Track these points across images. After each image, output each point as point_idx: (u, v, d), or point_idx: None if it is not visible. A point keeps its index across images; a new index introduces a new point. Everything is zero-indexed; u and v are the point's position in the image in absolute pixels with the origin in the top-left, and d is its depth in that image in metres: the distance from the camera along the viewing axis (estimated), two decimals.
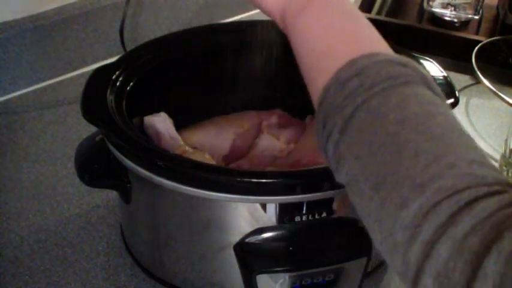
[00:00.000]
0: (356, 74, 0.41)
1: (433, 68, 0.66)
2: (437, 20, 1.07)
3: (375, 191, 0.38)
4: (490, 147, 0.85)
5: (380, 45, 0.45)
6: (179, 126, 0.71)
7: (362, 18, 0.47)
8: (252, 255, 0.57)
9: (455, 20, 1.06)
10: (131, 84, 0.65)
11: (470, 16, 1.06)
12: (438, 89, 0.43)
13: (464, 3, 1.06)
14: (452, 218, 0.34)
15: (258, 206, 0.55)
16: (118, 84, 0.64)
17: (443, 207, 0.34)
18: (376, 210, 0.38)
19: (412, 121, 0.38)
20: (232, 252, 0.57)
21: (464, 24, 1.06)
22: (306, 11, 0.48)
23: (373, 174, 0.38)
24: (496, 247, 0.32)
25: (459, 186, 0.35)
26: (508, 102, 0.83)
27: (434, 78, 0.44)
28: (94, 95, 0.61)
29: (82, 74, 0.97)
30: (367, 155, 0.39)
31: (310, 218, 0.56)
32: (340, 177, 0.42)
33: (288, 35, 0.50)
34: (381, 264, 0.65)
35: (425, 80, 0.42)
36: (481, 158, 0.38)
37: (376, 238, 0.39)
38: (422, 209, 0.35)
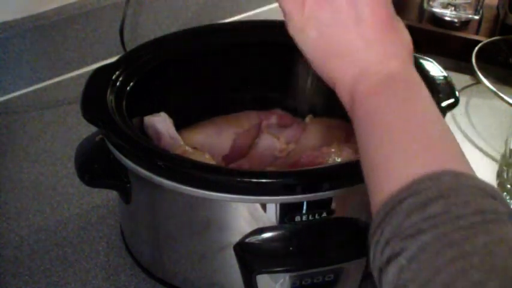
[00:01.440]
0: (441, 195, 0.35)
1: (433, 68, 0.66)
2: (437, 20, 1.07)
3: None
4: (490, 147, 0.85)
5: (464, 163, 0.39)
6: (179, 126, 0.71)
7: (445, 122, 0.41)
8: (252, 255, 0.57)
9: (456, 20, 1.06)
10: (131, 84, 0.65)
11: (470, 16, 1.06)
12: None
13: (465, 3, 1.06)
14: None
15: (258, 206, 0.55)
16: (118, 84, 0.64)
17: None
18: None
19: (499, 273, 0.32)
20: (232, 252, 0.57)
21: (465, 24, 1.06)
22: (385, 91, 0.41)
23: None
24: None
25: None
26: (508, 102, 0.83)
27: None
28: (94, 95, 0.61)
29: (82, 74, 0.97)
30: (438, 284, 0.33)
31: (310, 218, 0.55)
32: None
33: (353, 115, 0.43)
34: None
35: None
36: None
37: None
38: None
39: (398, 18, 0.47)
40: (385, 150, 0.40)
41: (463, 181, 0.36)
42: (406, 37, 0.46)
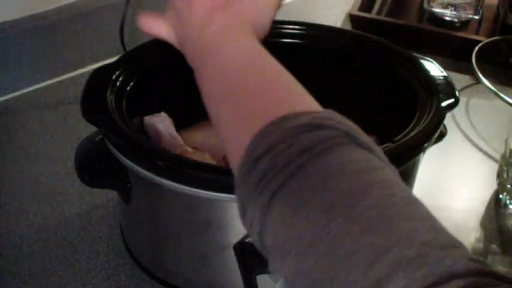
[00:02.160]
0: (267, 150, 0.34)
1: (433, 68, 0.66)
2: (437, 20, 1.07)
3: None
4: (490, 147, 0.85)
5: (296, 100, 0.39)
6: (179, 126, 0.71)
7: (274, 65, 0.42)
8: (252, 255, 0.57)
9: (456, 20, 1.06)
10: (131, 84, 0.65)
11: (470, 16, 1.06)
12: (367, 141, 0.36)
13: (465, 3, 1.06)
14: None
15: None
16: (118, 84, 0.64)
17: None
18: None
19: (341, 206, 0.32)
20: (232, 252, 0.57)
21: (465, 24, 1.06)
22: (209, 59, 0.43)
23: (309, 281, 0.31)
24: None
25: None
26: (508, 102, 0.83)
27: (358, 129, 0.37)
28: (94, 95, 0.61)
29: (82, 74, 0.97)
30: (295, 257, 0.32)
31: None
32: (271, 270, 0.35)
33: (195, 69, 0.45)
34: None
35: (350, 135, 0.35)
36: (433, 233, 0.31)
37: None
38: None
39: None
40: (220, 124, 0.41)
41: (285, 125, 0.35)
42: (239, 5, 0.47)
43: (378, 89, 0.72)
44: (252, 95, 0.40)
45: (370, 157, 0.35)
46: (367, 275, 0.29)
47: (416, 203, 0.33)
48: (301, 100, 0.39)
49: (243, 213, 0.36)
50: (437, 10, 1.07)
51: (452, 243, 0.31)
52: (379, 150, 0.37)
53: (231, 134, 0.40)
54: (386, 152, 0.37)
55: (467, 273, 0.29)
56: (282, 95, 0.40)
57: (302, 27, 0.73)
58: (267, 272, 0.56)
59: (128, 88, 0.64)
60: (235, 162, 0.37)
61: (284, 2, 0.64)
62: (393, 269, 0.29)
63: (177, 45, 0.50)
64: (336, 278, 0.30)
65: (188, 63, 0.48)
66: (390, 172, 0.35)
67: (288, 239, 0.33)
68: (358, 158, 0.34)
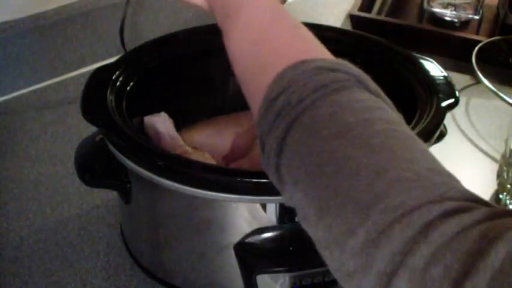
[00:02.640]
0: (283, 90, 0.38)
1: (433, 68, 0.66)
2: (437, 20, 1.07)
3: (320, 217, 0.34)
4: (490, 147, 0.85)
5: (312, 49, 0.42)
6: (179, 126, 0.71)
7: (292, 21, 0.45)
8: (252, 255, 0.57)
9: (456, 20, 1.06)
10: (131, 84, 0.65)
11: (470, 16, 1.06)
12: (375, 88, 0.39)
13: (465, 3, 1.06)
14: (408, 245, 0.30)
15: (258, 206, 0.55)
16: (118, 84, 0.64)
17: (395, 232, 0.31)
18: (324, 238, 0.34)
19: (348, 134, 0.35)
20: (232, 252, 0.57)
21: (465, 24, 1.06)
22: (234, 19, 0.46)
23: (315, 199, 0.35)
24: (468, 283, 0.28)
25: (408, 205, 0.31)
26: (508, 102, 0.83)
27: (368, 77, 0.40)
28: (94, 95, 0.61)
29: (82, 74, 0.97)
30: (306, 179, 0.36)
31: None
32: (287, 202, 0.39)
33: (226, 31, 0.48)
34: None
35: (360, 80, 0.39)
36: (432, 164, 0.34)
37: (330, 266, 0.35)
38: (371, 235, 0.31)
39: None
40: (249, 71, 0.44)
41: (301, 68, 0.38)
42: None
43: None
44: (274, 46, 0.43)
45: (377, 100, 0.38)
46: (367, 190, 0.32)
47: (417, 140, 0.36)
48: (317, 49, 0.42)
49: (262, 148, 0.39)
50: (437, 10, 1.07)
51: (449, 175, 0.34)
52: (386, 98, 0.40)
53: (255, 85, 0.42)
54: None
55: (460, 198, 0.32)
56: (300, 46, 0.43)
57: None
58: (267, 272, 0.56)
59: (128, 88, 0.64)
60: (256, 108, 0.40)
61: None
62: (392, 186, 0.32)
63: (205, 7, 0.52)
64: (339, 194, 0.33)
65: (218, 24, 0.50)
66: (395, 114, 0.38)
67: (300, 164, 0.36)
68: (366, 98, 0.38)
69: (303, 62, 0.39)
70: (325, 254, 0.35)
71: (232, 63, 0.46)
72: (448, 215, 0.30)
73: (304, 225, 0.37)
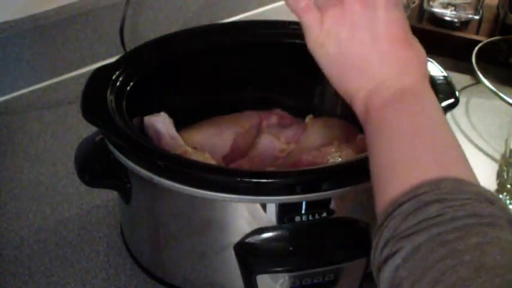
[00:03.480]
0: (438, 199, 0.37)
1: (433, 68, 0.66)
2: (437, 20, 1.07)
3: None
4: (490, 147, 0.85)
5: (468, 171, 0.41)
6: (179, 126, 0.71)
7: (453, 134, 0.43)
8: (252, 255, 0.57)
9: (456, 20, 1.06)
10: (131, 84, 0.65)
11: (470, 16, 1.06)
12: None
13: (465, 3, 1.06)
14: None
15: (258, 206, 0.55)
16: (118, 84, 0.64)
17: None
18: None
19: (489, 272, 0.33)
20: (232, 252, 0.57)
21: (465, 24, 1.06)
22: (397, 105, 0.43)
23: None
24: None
25: None
26: (508, 102, 0.83)
27: None
28: (94, 95, 0.61)
29: (82, 74, 0.97)
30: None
31: (310, 218, 0.55)
32: None
33: (366, 126, 0.45)
34: None
35: (510, 221, 0.38)
36: None
37: None
38: None
39: (414, 37, 0.49)
40: (392, 157, 0.42)
41: (461, 187, 0.38)
42: (422, 55, 0.48)
43: None
44: (430, 146, 0.41)
45: None
46: None
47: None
48: (473, 173, 0.41)
49: (384, 244, 0.38)
50: (437, 10, 1.07)
51: None
52: None
53: (396, 172, 0.41)
54: None
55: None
56: (458, 158, 0.42)
57: None
58: (267, 272, 0.56)
59: (128, 88, 0.64)
60: (388, 196, 0.39)
61: None
62: None
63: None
64: None
65: (358, 118, 0.46)
66: None
67: (429, 281, 0.34)
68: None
69: (464, 181, 0.39)
70: None
71: (372, 135, 0.44)
72: None
73: None
